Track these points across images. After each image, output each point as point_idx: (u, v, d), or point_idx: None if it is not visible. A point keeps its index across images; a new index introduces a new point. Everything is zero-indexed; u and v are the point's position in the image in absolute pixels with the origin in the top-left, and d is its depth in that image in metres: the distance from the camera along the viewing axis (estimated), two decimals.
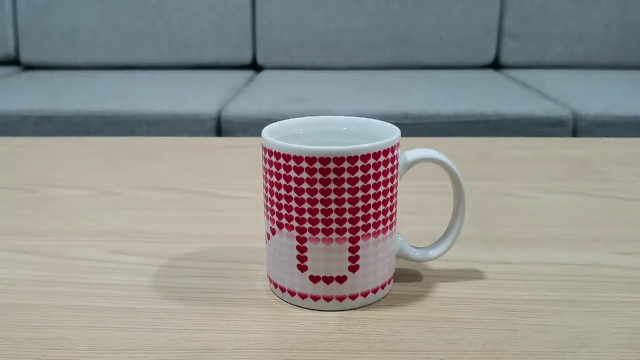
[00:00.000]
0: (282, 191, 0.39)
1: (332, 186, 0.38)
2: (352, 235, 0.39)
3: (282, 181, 0.39)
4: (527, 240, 0.52)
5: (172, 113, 1.37)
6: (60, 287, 0.44)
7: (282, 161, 0.38)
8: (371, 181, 0.39)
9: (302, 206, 0.39)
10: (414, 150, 0.42)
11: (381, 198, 0.40)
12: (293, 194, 0.39)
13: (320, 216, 0.39)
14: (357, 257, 0.40)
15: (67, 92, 1.52)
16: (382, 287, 0.42)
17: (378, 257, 0.41)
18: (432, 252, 0.44)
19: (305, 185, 0.38)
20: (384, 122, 0.43)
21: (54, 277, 0.46)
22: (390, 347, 0.37)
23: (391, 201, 0.41)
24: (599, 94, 1.46)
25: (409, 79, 1.67)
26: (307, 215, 0.39)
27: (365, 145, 0.38)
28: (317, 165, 0.38)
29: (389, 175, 0.40)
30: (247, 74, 1.82)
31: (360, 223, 0.39)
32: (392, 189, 0.40)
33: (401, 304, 0.41)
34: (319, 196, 0.38)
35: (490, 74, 1.78)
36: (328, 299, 0.40)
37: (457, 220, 0.44)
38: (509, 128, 1.33)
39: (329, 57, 1.83)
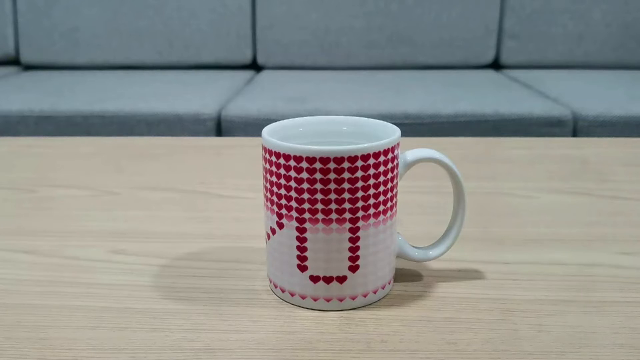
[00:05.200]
0: (282, 191, 0.39)
1: (332, 186, 0.38)
2: (352, 236, 0.39)
3: (282, 181, 0.39)
4: (527, 240, 0.52)
5: (172, 113, 1.37)
6: (61, 287, 0.44)
7: (282, 161, 0.38)
8: (371, 181, 0.39)
9: (302, 206, 0.39)
10: (414, 150, 0.42)
11: (381, 198, 0.40)
12: (293, 193, 0.39)
13: (320, 216, 0.39)
14: (357, 257, 0.40)
15: (67, 92, 1.52)
16: (382, 287, 0.42)
17: (378, 257, 0.41)
18: (432, 252, 0.44)
19: (305, 185, 0.38)
20: (384, 122, 0.43)
21: (54, 277, 0.46)
22: (390, 347, 0.37)
23: (391, 201, 0.41)
24: (599, 94, 1.46)
25: (409, 79, 1.67)
26: (307, 216, 0.39)
27: (365, 145, 0.38)
28: (317, 165, 0.38)
29: (389, 175, 0.40)
30: (247, 74, 1.82)
31: (361, 223, 0.39)
32: (392, 189, 0.40)
33: (401, 304, 0.41)
34: (319, 196, 0.38)
35: (490, 74, 1.78)
36: (328, 299, 0.40)
37: (457, 220, 0.44)
38: (509, 128, 1.33)
39: (329, 57, 1.83)
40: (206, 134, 1.37)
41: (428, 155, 0.42)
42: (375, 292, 0.41)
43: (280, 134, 0.42)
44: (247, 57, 1.87)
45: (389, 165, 0.39)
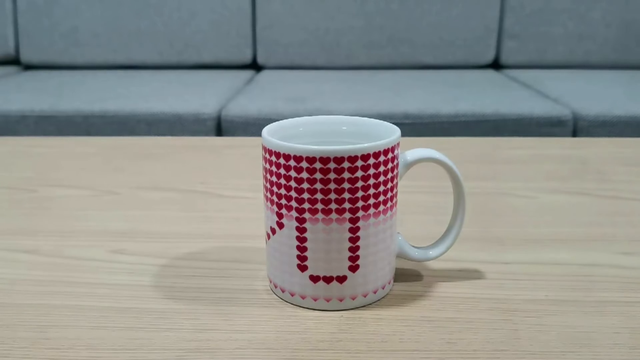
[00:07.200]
0: (282, 191, 0.39)
1: (332, 186, 0.38)
2: (352, 236, 0.39)
3: (282, 181, 0.39)
4: (527, 240, 0.52)
5: (172, 113, 1.37)
6: (61, 287, 0.44)
7: (282, 161, 0.39)
8: (371, 181, 0.39)
9: (302, 206, 0.39)
10: (414, 150, 0.42)
11: (381, 198, 0.40)
12: (293, 193, 0.39)
13: (320, 216, 0.39)
14: (357, 257, 0.40)
15: (67, 92, 1.52)
16: (383, 287, 0.42)
17: (378, 257, 0.41)
18: (432, 252, 0.44)
19: (305, 185, 0.38)
20: (384, 122, 0.43)
21: (54, 277, 0.46)
22: (391, 347, 0.37)
23: (391, 201, 0.41)
24: (599, 94, 1.46)
25: (409, 79, 1.67)
26: (307, 215, 0.39)
27: (365, 145, 0.38)
28: (317, 165, 0.38)
29: (389, 175, 0.40)
30: (247, 74, 1.82)
31: (361, 223, 0.39)
32: (392, 188, 0.40)
33: (401, 304, 0.41)
34: (319, 196, 0.38)
35: (490, 74, 1.78)
36: (328, 299, 0.40)
37: (457, 220, 0.44)
38: (509, 128, 1.33)
39: (329, 57, 1.83)
40: (206, 134, 1.37)
41: (428, 155, 0.42)
42: (375, 292, 0.41)
43: (280, 133, 0.42)
44: (247, 57, 1.87)
45: (389, 165, 0.39)
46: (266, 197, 0.41)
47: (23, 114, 1.39)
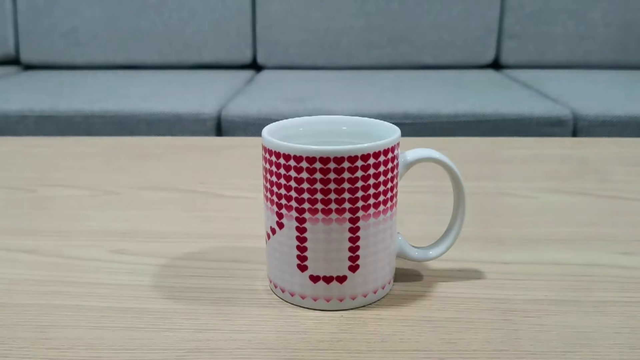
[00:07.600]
0: (282, 191, 0.39)
1: (332, 186, 0.38)
2: (352, 236, 0.39)
3: (282, 181, 0.39)
4: (527, 240, 0.52)
5: (172, 113, 1.37)
6: (61, 287, 0.44)
7: (282, 161, 0.39)
8: (371, 181, 0.39)
9: (302, 206, 0.39)
10: (414, 150, 0.42)
11: (381, 198, 0.40)
12: (293, 193, 0.39)
13: (320, 216, 0.39)
14: (357, 257, 0.40)
15: (67, 92, 1.52)
16: (383, 287, 0.42)
17: (378, 257, 0.41)
18: (432, 252, 0.44)
19: (305, 185, 0.38)
20: (384, 122, 0.43)
21: (54, 277, 0.46)
22: (391, 347, 0.37)
23: (391, 201, 0.41)
24: (599, 94, 1.46)
25: (409, 79, 1.67)
26: (307, 215, 0.39)
27: (365, 145, 0.38)
28: (317, 165, 0.38)
29: (389, 175, 0.40)
30: (247, 73, 1.82)
31: (361, 223, 0.39)
32: (392, 188, 0.40)
33: (401, 304, 0.41)
34: (319, 196, 0.38)
35: (490, 74, 1.78)
36: (328, 299, 0.40)
37: (457, 220, 0.44)
38: (509, 128, 1.34)
39: (329, 57, 1.83)
40: (206, 134, 1.37)
41: (428, 155, 0.42)
42: (375, 292, 0.41)
43: (280, 133, 0.42)
44: (247, 57, 1.87)
45: (389, 165, 0.39)
46: (266, 197, 0.41)
47: (23, 114, 1.39)
